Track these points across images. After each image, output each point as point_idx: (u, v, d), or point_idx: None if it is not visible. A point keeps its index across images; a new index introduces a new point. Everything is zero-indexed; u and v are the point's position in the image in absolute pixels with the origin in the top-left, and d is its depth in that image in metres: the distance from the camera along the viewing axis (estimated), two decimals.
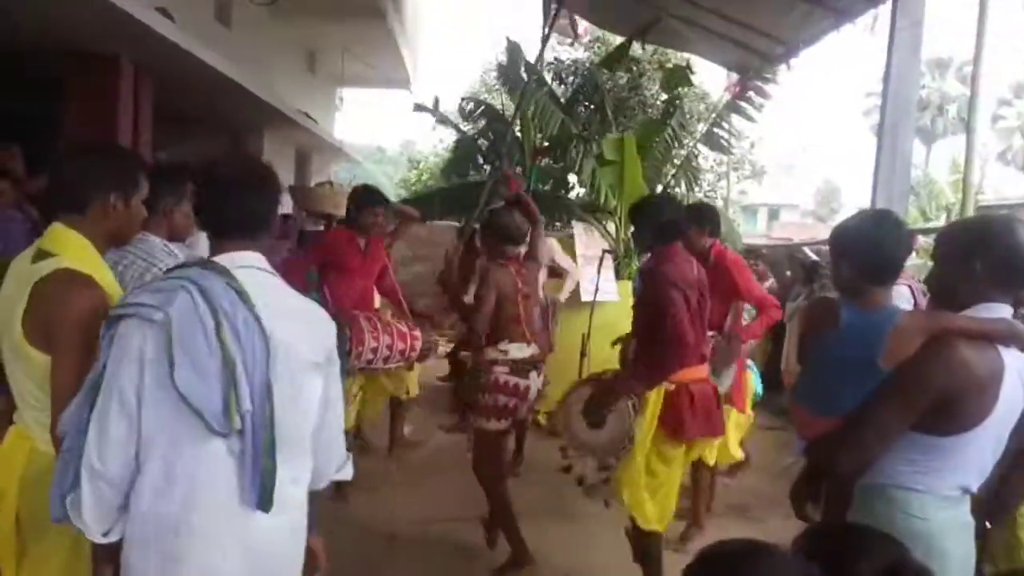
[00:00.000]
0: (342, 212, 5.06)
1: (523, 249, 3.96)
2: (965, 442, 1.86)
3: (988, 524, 2.03)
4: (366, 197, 4.77)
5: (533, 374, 3.80)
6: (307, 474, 1.82)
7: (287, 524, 1.77)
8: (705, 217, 4.39)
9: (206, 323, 1.63)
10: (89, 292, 1.86)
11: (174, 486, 1.64)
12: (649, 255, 3.54)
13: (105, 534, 1.66)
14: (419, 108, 10.15)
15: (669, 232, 3.34)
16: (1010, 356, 1.87)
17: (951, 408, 1.82)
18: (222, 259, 1.75)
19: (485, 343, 3.80)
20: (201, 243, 3.98)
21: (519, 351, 3.78)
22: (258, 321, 1.67)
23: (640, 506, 3.31)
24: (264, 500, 1.66)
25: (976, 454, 1.89)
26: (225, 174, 1.85)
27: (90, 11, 5.25)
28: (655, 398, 3.26)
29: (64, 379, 1.80)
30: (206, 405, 1.61)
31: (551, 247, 5.89)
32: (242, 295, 1.68)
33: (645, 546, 3.39)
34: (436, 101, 10.33)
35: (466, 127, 12.29)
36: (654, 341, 3.19)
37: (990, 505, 2.05)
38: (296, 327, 1.76)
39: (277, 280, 1.81)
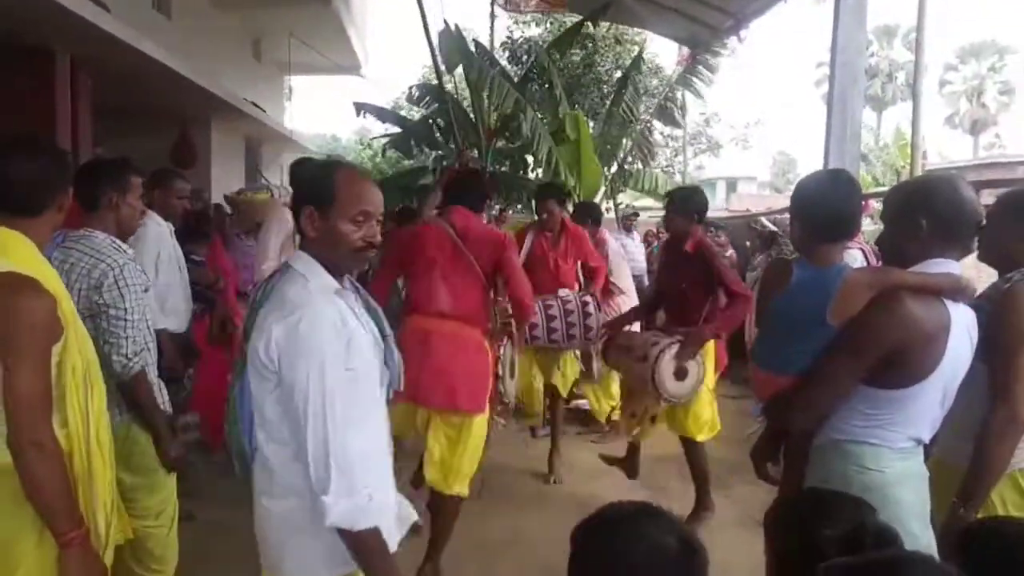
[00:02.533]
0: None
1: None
2: (915, 394, 1.89)
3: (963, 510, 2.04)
4: None
5: None
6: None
7: None
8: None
9: None
10: (37, 296, 1.78)
11: None
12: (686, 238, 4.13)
13: None
14: (360, 107, 9.93)
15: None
16: (957, 310, 1.91)
17: (900, 361, 1.85)
18: None
19: None
20: (148, 236, 3.91)
21: None
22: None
23: (712, 427, 4.24)
24: None
25: (926, 406, 1.93)
26: None
27: (20, 3, 5.05)
28: (711, 347, 4.19)
29: (21, 388, 1.74)
30: None
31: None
32: None
33: (703, 457, 4.26)
34: (364, 110, 10.14)
35: (416, 112, 12.14)
36: (725, 301, 4.00)
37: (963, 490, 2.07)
38: None
39: None
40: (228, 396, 1.82)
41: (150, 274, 3.87)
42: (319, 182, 1.79)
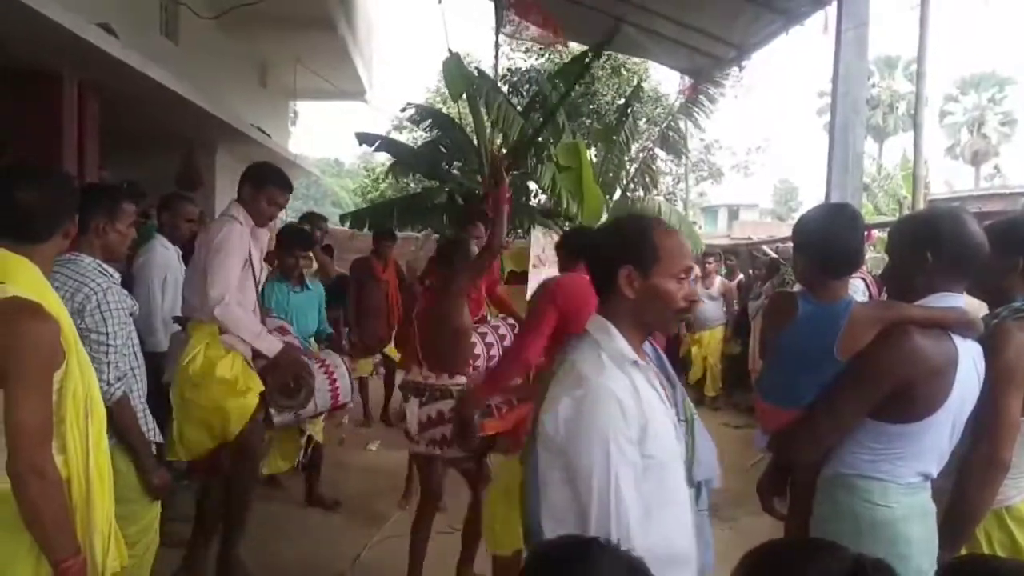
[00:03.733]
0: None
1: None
2: (923, 429, 1.88)
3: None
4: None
5: (412, 399, 3.51)
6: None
7: None
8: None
9: None
10: (41, 322, 1.77)
11: None
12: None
13: None
14: (363, 138, 9.92)
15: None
16: (964, 344, 1.90)
17: (908, 395, 1.84)
18: None
19: None
20: (154, 259, 3.90)
21: (407, 374, 3.69)
22: None
23: None
24: None
25: (934, 440, 1.91)
26: None
27: (29, 28, 5.10)
28: None
29: (22, 414, 1.72)
30: None
31: None
32: None
33: None
34: (367, 142, 10.07)
35: (418, 135, 12.15)
36: None
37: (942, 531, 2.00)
38: None
39: None
40: (523, 471, 1.66)
41: (156, 297, 3.87)
42: (639, 239, 1.63)
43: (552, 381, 1.63)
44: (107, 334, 2.38)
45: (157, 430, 2.66)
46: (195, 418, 3.25)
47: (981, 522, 2.05)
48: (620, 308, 1.64)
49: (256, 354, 3.31)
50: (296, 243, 4.62)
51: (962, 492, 1.99)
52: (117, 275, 2.56)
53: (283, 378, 3.36)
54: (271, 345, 3.28)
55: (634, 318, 1.64)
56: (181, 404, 3.25)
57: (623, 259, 1.62)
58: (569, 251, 3.43)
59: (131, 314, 2.54)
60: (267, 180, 3.40)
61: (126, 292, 2.57)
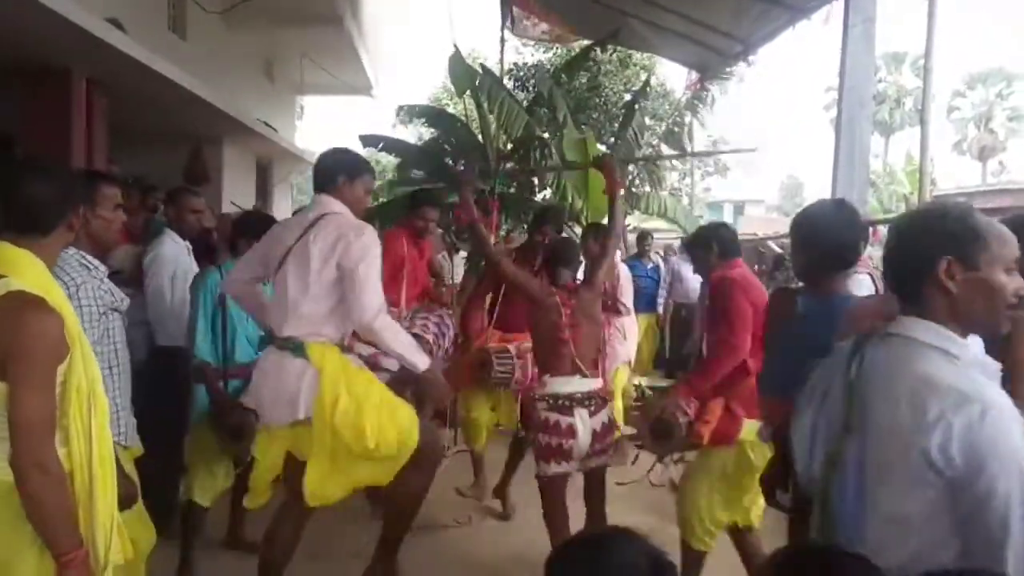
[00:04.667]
0: None
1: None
2: None
3: None
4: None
5: (581, 411, 3.35)
6: None
7: None
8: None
9: None
10: (43, 314, 1.77)
11: None
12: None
13: None
14: (367, 140, 9.85)
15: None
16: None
17: None
18: None
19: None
20: (164, 254, 3.91)
21: (561, 386, 3.43)
22: None
23: None
24: None
25: None
26: None
27: (38, 23, 5.13)
28: None
29: (25, 409, 1.72)
30: None
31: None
32: None
33: None
34: (371, 144, 9.94)
35: (424, 131, 12.11)
36: None
37: None
38: None
39: None
40: (828, 455, 1.61)
41: (166, 291, 3.86)
42: (961, 225, 1.45)
43: (886, 394, 1.45)
44: None
45: (133, 433, 2.54)
46: (344, 458, 2.77)
47: None
48: (936, 306, 1.46)
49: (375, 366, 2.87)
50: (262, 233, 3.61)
51: None
52: (103, 268, 2.48)
53: (420, 398, 2.98)
54: (421, 360, 2.80)
55: (954, 317, 1.45)
56: (325, 445, 2.75)
57: (943, 249, 1.44)
58: (723, 249, 3.26)
59: (115, 310, 2.46)
60: (363, 167, 2.97)
61: (109, 286, 2.48)
